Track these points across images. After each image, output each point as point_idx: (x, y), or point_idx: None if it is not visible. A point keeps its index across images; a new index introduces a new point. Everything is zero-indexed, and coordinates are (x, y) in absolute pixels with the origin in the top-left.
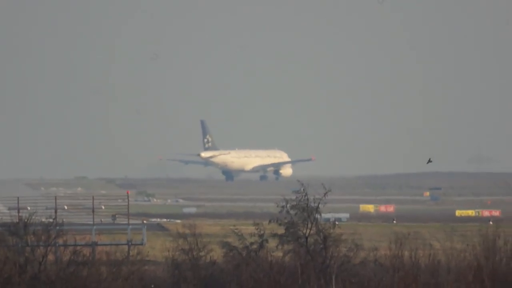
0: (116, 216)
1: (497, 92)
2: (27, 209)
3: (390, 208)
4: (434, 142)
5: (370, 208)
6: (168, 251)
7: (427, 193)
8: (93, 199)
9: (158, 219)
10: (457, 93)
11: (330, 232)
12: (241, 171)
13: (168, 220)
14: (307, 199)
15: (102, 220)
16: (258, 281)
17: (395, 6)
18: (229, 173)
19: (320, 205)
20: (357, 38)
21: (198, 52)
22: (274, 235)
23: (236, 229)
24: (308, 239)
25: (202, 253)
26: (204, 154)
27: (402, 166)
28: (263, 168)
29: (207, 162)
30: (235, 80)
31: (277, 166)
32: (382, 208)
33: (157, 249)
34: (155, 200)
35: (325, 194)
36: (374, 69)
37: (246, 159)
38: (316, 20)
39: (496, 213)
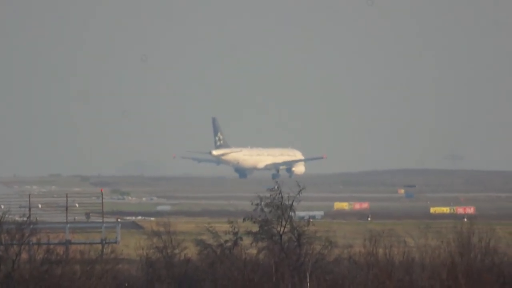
0: (90, 214)
1: (471, 90)
2: (0, 207)
3: (365, 206)
4: (408, 139)
5: (344, 205)
6: (142, 249)
7: (402, 190)
8: (67, 197)
9: (133, 217)
10: (431, 91)
11: (304, 229)
12: (254, 169)
13: (142, 218)
14: (282, 197)
15: (76, 218)
16: (232, 278)
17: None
18: (242, 171)
19: (294, 203)
20: (358, 38)
21: (209, 51)
22: (249, 233)
23: (210, 227)
24: (283, 236)
25: (176, 251)
26: (215, 152)
27: (377, 164)
28: (276, 166)
29: (219, 160)
30: (247, 79)
31: (289, 164)
32: (357, 206)
33: (131, 247)
34: (129, 198)
35: (299, 191)
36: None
37: (258, 157)
38: (328, 18)
39: (470, 210)
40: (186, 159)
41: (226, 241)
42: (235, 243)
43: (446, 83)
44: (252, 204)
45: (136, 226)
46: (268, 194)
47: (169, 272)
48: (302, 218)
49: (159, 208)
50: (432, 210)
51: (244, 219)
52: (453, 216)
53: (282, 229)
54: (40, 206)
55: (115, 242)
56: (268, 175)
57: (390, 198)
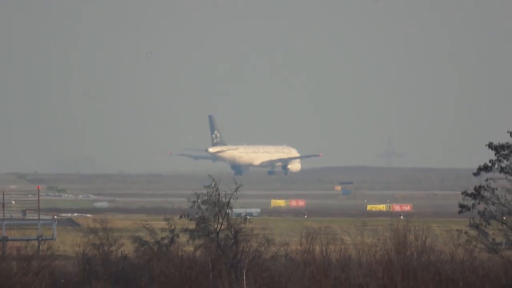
0: (27, 211)
1: (410, 88)
2: None
3: (301, 203)
4: (346, 137)
5: (281, 203)
6: (79, 246)
7: (339, 188)
8: (3, 194)
9: (69, 214)
10: (369, 89)
11: (241, 227)
12: (250, 166)
13: (79, 215)
14: (218, 194)
15: (12, 215)
16: (169, 275)
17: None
18: (238, 168)
19: (231, 200)
20: (358, 38)
21: (206, 49)
22: (185, 230)
23: (147, 224)
24: (219, 234)
25: (113, 248)
26: (212, 149)
27: (313, 161)
28: (272, 163)
29: (215, 157)
30: (243, 76)
31: (285, 162)
32: (293, 203)
33: (68, 244)
34: (66, 195)
35: (236, 189)
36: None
37: (255, 154)
38: (324, 17)
39: (407, 207)
40: (182, 156)
41: (162, 238)
42: (172, 240)
43: (386, 81)
44: (188, 201)
45: (72, 223)
46: (205, 191)
47: (105, 269)
48: (239, 215)
49: (96, 205)
50: (368, 207)
51: (180, 216)
52: (390, 214)
53: (219, 226)
54: None
55: (52, 239)
56: (263, 171)
57: (327, 195)
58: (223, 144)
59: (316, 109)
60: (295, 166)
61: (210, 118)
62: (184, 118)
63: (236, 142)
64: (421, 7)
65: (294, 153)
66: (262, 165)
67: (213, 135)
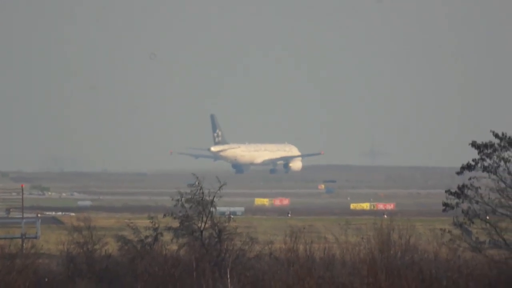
0: (11, 209)
1: (391, 86)
2: None
3: (285, 202)
4: (329, 135)
5: (265, 201)
6: (63, 244)
7: (322, 186)
8: None
9: (53, 213)
10: (353, 87)
11: (225, 225)
12: (251, 164)
13: (63, 213)
14: (202, 193)
15: None
16: (153, 274)
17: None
18: (239, 166)
19: (215, 199)
20: (360, 37)
21: (207, 48)
22: (169, 229)
23: (131, 222)
24: (203, 232)
25: (97, 246)
26: (214, 148)
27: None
28: (273, 161)
29: (217, 156)
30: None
31: (286, 160)
32: (277, 202)
33: (52, 242)
34: (49, 193)
35: (220, 187)
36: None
37: (256, 153)
38: (325, 16)
39: (390, 206)
40: (184, 155)
41: (146, 237)
42: (156, 239)
43: (371, 80)
44: (172, 200)
45: (56, 221)
46: (188, 190)
47: (89, 267)
48: (223, 214)
49: (80, 203)
50: (352, 206)
51: (164, 215)
52: (373, 213)
53: (202, 225)
54: None
55: (35, 237)
56: (263, 170)
57: (311, 194)
58: (225, 143)
59: (305, 108)
60: (296, 164)
61: (212, 117)
62: (184, 117)
63: (237, 141)
64: (422, 8)
65: (295, 151)
66: (264, 163)
67: (215, 134)
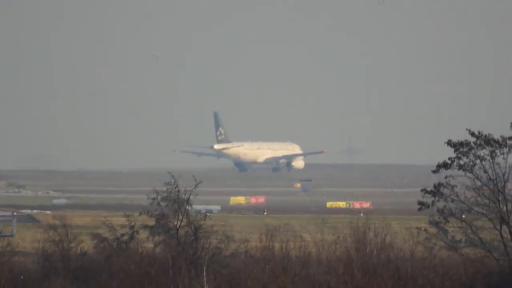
0: None
1: (367, 85)
2: None
3: (261, 200)
4: (303, 133)
5: (241, 200)
6: (39, 242)
7: (298, 185)
8: None
9: (29, 211)
10: (328, 85)
11: (201, 224)
12: (254, 163)
13: (38, 211)
14: (178, 191)
15: None
16: (128, 272)
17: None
18: (242, 165)
19: (191, 197)
20: (362, 36)
21: (210, 47)
22: (145, 227)
23: (107, 220)
24: (179, 230)
25: (72, 244)
26: (217, 146)
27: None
28: (276, 160)
29: (219, 154)
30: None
31: (289, 158)
32: (253, 200)
33: (27, 240)
34: (25, 191)
35: (195, 185)
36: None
37: (259, 151)
38: (328, 15)
39: (366, 204)
40: (187, 153)
41: (122, 235)
42: (132, 237)
43: (349, 78)
44: (148, 198)
45: (32, 219)
46: (164, 188)
47: (65, 265)
48: (199, 212)
49: (55, 201)
50: (328, 204)
51: (140, 213)
52: (350, 211)
53: (178, 223)
54: None
55: (11, 235)
56: (266, 169)
57: (287, 192)
58: (228, 141)
59: (289, 106)
60: (298, 163)
61: (215, 115)
62: (188, 115)
63: (240, 139)
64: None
65: (297, 150)
66: (266, 162)
67: (218, 132)
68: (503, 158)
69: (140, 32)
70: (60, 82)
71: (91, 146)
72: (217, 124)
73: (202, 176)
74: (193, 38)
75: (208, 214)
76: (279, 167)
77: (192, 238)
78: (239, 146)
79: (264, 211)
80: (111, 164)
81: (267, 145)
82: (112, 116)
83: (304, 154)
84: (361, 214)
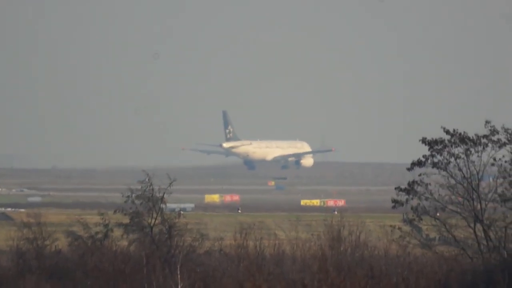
0: None
1: (341, 83)
2: None
3: (235, 198)
4: (280, 132)
5: (215, 198)
6: (13, 240)
7: (272, 183)
8: None
9: (3, 209)
10: (304, 83)
11: (175, 222)
12: (263, 161)
13: (12, 209)
14: (152, 189)
15: None
16: (103, 270)
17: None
18: (251, 163)
19: (165, 195)
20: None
21: (219, 46)
22: (119, 225)
23: (81, 218)
24: (153, 228)
25: (47, 242)
26: (226, 145)
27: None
28: (284, 158)
29: (228, 152)
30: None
31: (298, 156)
32: (227, 198)
33: (1, 238)
34: None
35: (170, 184)
36: None
37: (267, 150)
38: (338, 13)
39: (341, 202)
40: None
41: (97, 233)
42: (106, 235)
43: (322, 76)
44: (123, 196)
45: (6, 217)
46: (139, 186)
47: (40, 263)
48: (173, 210)
49: (30, 199)
50: (302, 202)
51: (115, 211)
52: (324, 209)
53: (153, 221)
54: None
55: None
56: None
57: (261, 190)
58: (236, 139)
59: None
60: (307, 161)
61: (224, 114)
62: (197, 114)
63: (249, 137)
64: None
65: (306, 147)
66: (275, 160)
67: (227, 130)
68: (478, 156)
69: (147, 30)
70: (35, 80)
71: (67, 144)
72: (226, 123)
73: (177, 174)
74: (202, 36)
75: (182, 212)
76: (287, 165)
77: (166, 236)
78: (248, 144)
79: (239, 209)
80: (85, 162)
81: (276, 143)
82: (103, 114)
83: (312, 152)
84: (336, 212)
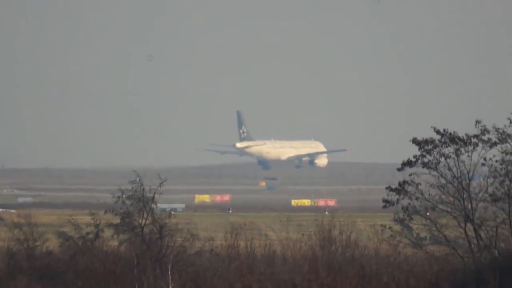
0: None
1: (333, 82)
2: None
3: (226, 198)
4: (271, 132)
5: (206, 198)
6: (3, 241)
7: (263, 183)
8: None
9: None
10: (290, 82)
11: (166, 222)
12: (277, 161)
13: (3, 210)
14: (143, 189)
15: None
16: (94, 270)
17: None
18: (265, 163)
19: (156, 195)
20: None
21: (232, 46)
22: (110, 225)
23: (72, 219)
24: (144, 229)
25: (38, 243)
26: (239, 145)
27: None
28: (298, 158)
29: (241, 152)
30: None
31: (312, 156)
32: (218, 198)
33: None
34: None
35: (160, 184)
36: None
37: (281, 150)
38: (350, 13)
39: (331, 202)
40: (209, 151)
41: (87, 233)
42: (97, 235)
43: (313, 76)
44: (113, 196)
45: None
46: (130, 187)
47: (30, 264)
48: (163, 210)
49: (20, 200)
50: (293, 202)
51: (105, 212)
52: (315, 209)
53: (143, 221)
54: None
55: None
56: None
57: (252, 190)
58: (250, 139)
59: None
60: (322, 160)
61: (238, 114)
62: (210, 114)
63: (263, 137)
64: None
65: (321, 147)
66: (289, 160)
67: (241, 131)
68: (468, 156)
69: (146, 30)
70: (25, 80)
71: (58, 144)
72: (240, 123)
73: (168, 175)
74: (215, 36)
75: (173, 213)
76: (301, 165)
77: (157, 236)
78: (261, 144)
79: (229, 209)
80: (76, 163)
81: (290, 143)
82: (99, 115)
83: (327, 152)
84: (326, 212)
